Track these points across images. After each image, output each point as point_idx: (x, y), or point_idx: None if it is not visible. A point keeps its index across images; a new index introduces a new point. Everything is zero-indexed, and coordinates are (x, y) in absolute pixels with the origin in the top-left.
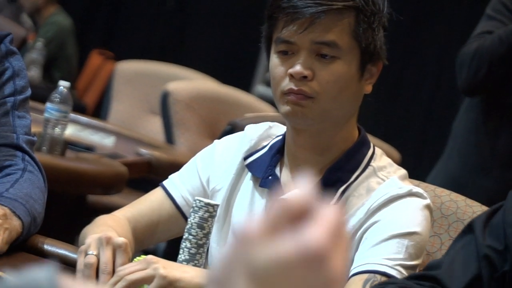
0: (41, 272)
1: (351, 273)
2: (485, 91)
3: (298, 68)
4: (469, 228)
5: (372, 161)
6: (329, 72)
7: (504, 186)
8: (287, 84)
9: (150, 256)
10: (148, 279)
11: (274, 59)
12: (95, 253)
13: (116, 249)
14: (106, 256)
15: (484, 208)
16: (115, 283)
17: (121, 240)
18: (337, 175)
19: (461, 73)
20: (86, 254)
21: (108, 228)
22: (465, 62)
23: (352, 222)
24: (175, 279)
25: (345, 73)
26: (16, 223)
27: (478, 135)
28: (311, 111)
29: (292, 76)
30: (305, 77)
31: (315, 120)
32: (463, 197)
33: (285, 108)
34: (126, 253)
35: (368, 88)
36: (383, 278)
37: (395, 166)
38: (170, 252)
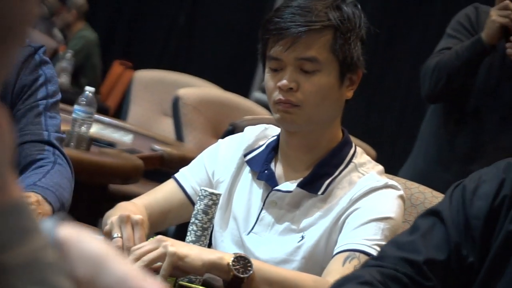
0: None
1: (335, 252)
2: (445, 99)
3: (284, 81)
4: (433, 213)
5: (354, 158)
6: (312, 83)
7: (462, 178)
8: (277, 95)
9: (160, 236)
10: (161, 257)
11: (267, 75)
12: (119, 235)
13: (134, 225)
14: (127, 233)
15: None
16: (133, 262)
17: (137, 217)
18: (324, 170)
19: (424, 84)
20: (112, 237)
21: (128, 212)
22: (427, 74)
23: (337, 209)
24: (184, 255)
25: (325, 84)
26: (47, 208)
27: (440, 136)
28: (298, 117)
29: (280, 88)
30: (291, 88)
31: (302, 124)
32: (429, 189)
33: (277, 115)
34: (142, 229)
35: (349, 94)
36: (362, 256)
37: (373, 162)
38: (179, 235)
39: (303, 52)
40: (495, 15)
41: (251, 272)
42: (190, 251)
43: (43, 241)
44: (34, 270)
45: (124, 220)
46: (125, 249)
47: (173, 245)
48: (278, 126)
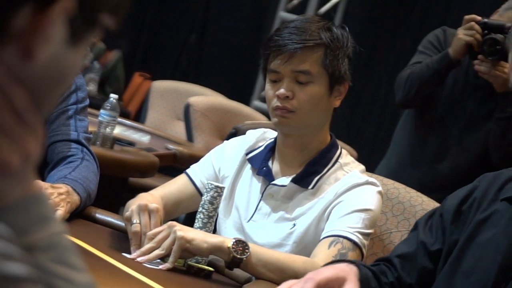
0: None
1: (321, 237)
2: (416, 105)
3: (282, 90)
4: (414, 227)
5: (340, 158)
6: (305, 92)
7: (431, 176)
8: (275, 102)
9: (171, 222)
10: (170, 240)
11: (267, 85)
12: (138, 221)
13: (150, 213)
14: (145, 219)
15: (419, 194)
16: (149, 248)
17: (153, 206)
18: (314, 168)
19: (398, 92)
20: (132, 223)
21: (146, 201)
22: (401, 83)
23: (324, 201)
24: (191, 238)
25: (317, 93)
26: (75, 198)
27: (411, 139)
28: (293, 121)
29: (278, 97)
30: (287, 97)
31: (296, 128)
32: (403, 185)
33: (275, 120)
34: (158, 216)
35: (337, 103)
36: (345, 241)
37: (356, 162)
38: (188, 222)
39: (298, 66)
40: (461, 34)
41: (248, 254)
42: (196, 235)
43: (60, 227)
44: (54, 251)
45: (143, 209)
46: (143, 233)
47: (182, 230)
48: (275, 130)
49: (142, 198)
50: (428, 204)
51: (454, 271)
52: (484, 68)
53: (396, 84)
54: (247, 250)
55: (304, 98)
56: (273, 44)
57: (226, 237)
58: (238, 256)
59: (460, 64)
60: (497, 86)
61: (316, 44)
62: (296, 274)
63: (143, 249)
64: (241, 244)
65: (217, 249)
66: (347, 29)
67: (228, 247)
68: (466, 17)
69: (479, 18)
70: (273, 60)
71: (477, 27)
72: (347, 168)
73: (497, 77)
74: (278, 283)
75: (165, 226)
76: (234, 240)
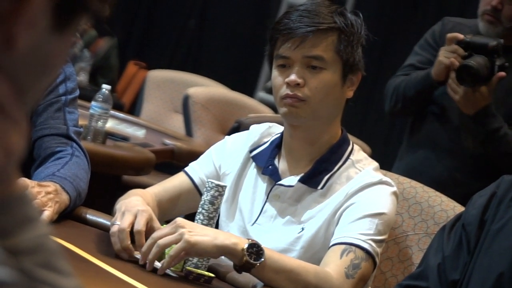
0: None
1: (331, 243)
2: (404, 117)
3: (292, 77)
4: (442, 229)
5: (351, 155)
6: (317, 80)
7: (446, 173)
8: (284, 90)
9: (179, 220)
10: (176, 242)
11: (275, 72)
12: (119, 223)
13: (137, 213)
14: (126, 220)
15: (438, 194)
16: (150, 245)
17: (140, 207)
18: (323, 166)
19: (386, 101)
20: (112, 224)
21: (136, 197)
22: (388, 93)
23: (334, 203)
24: (196, 242)
25: (330, 81)
26: (65, 197)
27: (419, 137)
28: (303, 111)
29: (288, 84)
30: (298, 84)
31: (306, 118)
32: (420, 184)
33: (283, 109)
34: (144, 215)
35: (350, 94)
36: (358, 250)
37: (369, 159)
38: None
39: (310, 51)
40: (441, 56)
41: (262, 260)
42: (204, 237)
43: (45, 229)
44: (40, 254)
45: (126, 212)
46: (119, 231)
47: (190, 232)
48: (282, 124)
49: (132, 195)
50: (447, 204)
51: (468, 282)
52: (454, 94)
53: (385, 91)
54: (262, 255)
55: (316, 85)
56: (282, 27)
57: (238, 236)
58: (252, 261)
59: (443, 84)
60: (464, 110)
61: (329, 27)
62: (307, 285)
63: (144, 249)
64: (256, 248)
65: (228, 252)
66: (360, 15)
67: (242, 250)
68: (448, 36)
69: (461, 37)
70: (283, 44)
71: (458, 49)
72: (360, 166)
73: (466, 104)
74: None
75: (172, 225)
76: (248, 243)
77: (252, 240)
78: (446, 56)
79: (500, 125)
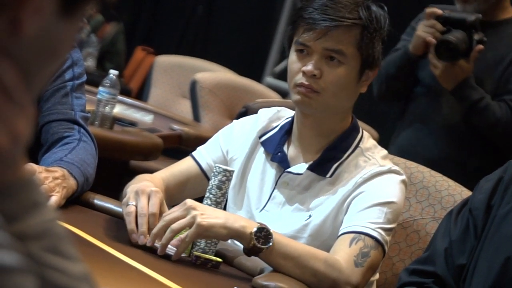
0: None
1: (340, 232)
2: (391, 99)
3: (310, 67)
4: (449, 213)
5: (361, 143)
6: (334, 74)
7: (440, 152)
8: (300, 78)
9: (189, 202)
10: (189, 225)
11: (293, 56)
12: (134, 203)
13: (150, 195)
14: (142, 202)
15: (445, 178)
16: (162, 227)
17: (152, 188)
18: (332, 154)
19: (374, 88)
20: (127, 205)
21: (146, 182)
22: (375, 80)
23: (343, 192)
24: (209, 226)
25: (346, 76)
26: (72, 182)
27: (411, 118)
28: (316, 102)
29: (304, 73)
30: (314, 75)
31: (318, 110)
32: (428, 169)
33: (296, 97)
34: (157, 197)
35: (364, 89)
36: (367, 238)
37: (379, 147)
38: None
39: (332, 44)
40: (420, 30)
41: (270, 244)
42: (216, 220)
43: (52, 214)
44: (46, 239)
45: (140, 192)
46: (139, 215)
47: (202, 215)
48: (291, 109)
49: (141, 179)
50: (454, 189)
51: (474, 266)
52: (435, 69)
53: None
54: (270, 240)
55: (332, 79)
56: (307, 16)
57: (248, 219)
58: (259, 245)
59: (422, 58)
60: (444, 85)
61: (354, 23)
62: (316, 272)
63: (155, 231)
64: (264, 232)
65: (237, 235)
66: (386, 9)
67: (250, 233)
68: (427, 11)
69: (440, 12)
70: (304, 33)
71: (437, 24)
72: (369, 154)
73: (446, 78)
74: (294, 277)
75: (182, 207)
76: (257, 227)
77: (261, 224)
78: (424, 30)
79: (481, 97)
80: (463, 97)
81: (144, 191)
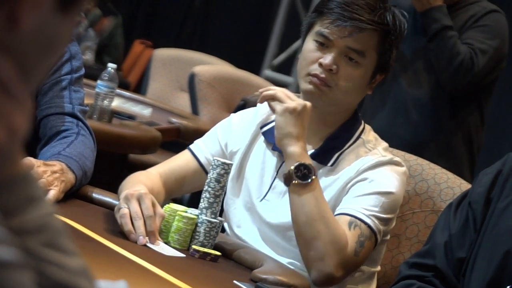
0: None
1: (336, 212)
2: None
3: (328, 61)
4: (449, 206)
5: (362, 134)
6: (350, 73)
7: (412, 132)
8: (315, 68)
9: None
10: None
11: (310, 44)
12: (126, 206)
13: (139, 198)
14: (134, 207)
15: (444, 171)
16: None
17: (140, 191)
18: (334, 143)
19: None
20: (120, 209)
21: (138, 183)
22: None
23: (343, 179)
24: (305, 109)
25: (360, 77)
26: (70, 176)
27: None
28: (326, 96)
29: (321, 65)
30: (331, 70)
31: (326, 103)
32: (427, 161)
33: (308, 86)
34: (148, 199)
35: (371, 91)
36: (363, 225)
37: (380, 140)
38: (193, 201)
39: (355, 45)
40: None
41: (306, 181)
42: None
43: (50, 208)
44: (44, 233)
45: (129, 197)
46: (133, 219)
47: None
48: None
49: (134, 179)
50: (454, 181)
51: (474, 260)
52: None
53: None
54: (307, 179)
55: (347, 78)
56: (336, 9)
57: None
58: (295, 179)
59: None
60: (418, 6)
61: (380, 28)
62: (319, 235)
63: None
64: (306, 170)
65: (286, 155)
66: (406, 15)
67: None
68: None
69: None
70: (330, 25)
71: None
72: (370, 145)
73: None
74: (300, 232)
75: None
76: (299, 163)
77: (304, 162)
78: None
79: (451, 25)
80: (434, 19)
81: (133, 195)
